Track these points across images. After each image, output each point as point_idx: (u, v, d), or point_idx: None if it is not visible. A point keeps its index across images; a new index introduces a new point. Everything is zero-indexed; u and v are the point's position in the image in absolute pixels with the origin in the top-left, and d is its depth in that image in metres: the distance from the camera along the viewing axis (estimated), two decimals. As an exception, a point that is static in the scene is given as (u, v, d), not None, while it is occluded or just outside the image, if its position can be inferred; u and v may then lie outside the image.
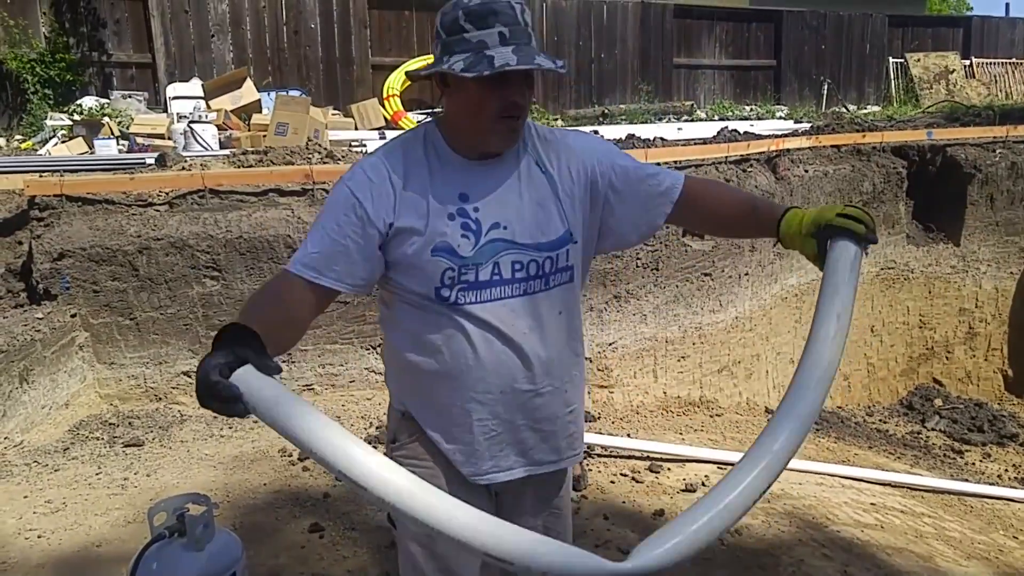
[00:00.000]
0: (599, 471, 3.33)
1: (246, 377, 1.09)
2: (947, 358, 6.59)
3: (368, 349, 4.13)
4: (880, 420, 5.68)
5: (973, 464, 4.86)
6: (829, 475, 3.64)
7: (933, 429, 5.53)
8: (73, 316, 3.83)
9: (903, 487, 3.74)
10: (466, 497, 1.38)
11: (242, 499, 2.93)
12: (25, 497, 2.94)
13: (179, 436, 3.55)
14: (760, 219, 1.43)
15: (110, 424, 3.67)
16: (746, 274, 5.14)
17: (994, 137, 6.72)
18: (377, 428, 3.58)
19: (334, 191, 1.35)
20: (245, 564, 2.04)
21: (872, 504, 3.34)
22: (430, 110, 7.74)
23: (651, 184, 1.43)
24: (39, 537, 2.63)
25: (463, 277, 1.30)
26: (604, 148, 1.46)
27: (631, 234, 1.47)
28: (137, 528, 2.63)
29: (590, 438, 3.54)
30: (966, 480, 4.28)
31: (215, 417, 3.77)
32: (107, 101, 6.80)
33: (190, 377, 3.97)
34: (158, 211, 3.99)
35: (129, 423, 3.68)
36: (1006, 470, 4.79)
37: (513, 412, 1.38)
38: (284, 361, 4.05)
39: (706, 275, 4.94)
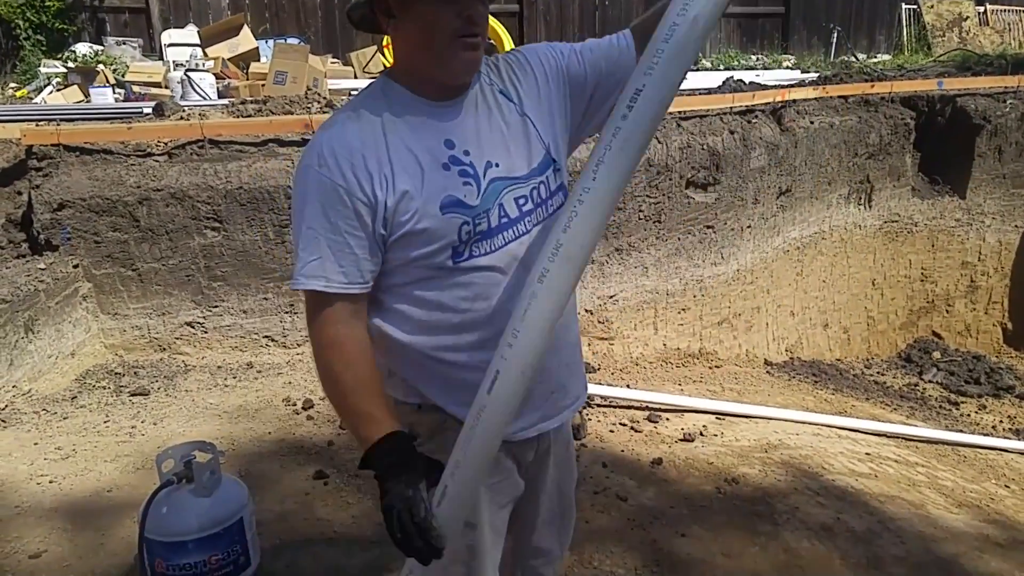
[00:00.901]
0: (598, 420, 3.38)
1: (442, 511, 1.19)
2: (947, 311, 6.60)
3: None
4: (878, 372, 5.73)
5: (968, 415, 4.92)
6: (826, 426, 3.69)
7: (930, 381, 5.58)
8: (75, 267, 3.84)
9: (898, 437, 3.79)
10: (502, 462, 1.37)
11: (247, 447, 2.99)
12: (35, 444, 3.00)
13: (184, 386, 3.60)
14: None
15: (116, 374, 3.71)
16: (748, 227, 5.11)
17: (1005, 87, 6.58)
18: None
19: (303, 181, 1.20)
20: (252, 510, 2.09)
21: (867, 454, 3.39)
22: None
23: (604, 48, 1.41)
24: (50, 482, 2.70)
25: (478, 228, 1.23)
26: (548, 47, 1.42)
27: (615, 90, 1.38)
28: (146, 474, 2.69)
29: (590, 388, 3.58)
30: (961, 431, 4.34)
31: (219, 367, 3.81)
32: (101, 48, 6.67)
33: (193, 328, 3.99)
34: (157, 161, 3.95)
35: (135, 373, 3.72)
36: (1000, 421, 4.85)
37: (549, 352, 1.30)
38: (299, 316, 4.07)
39: (708, 228, 4.91)
